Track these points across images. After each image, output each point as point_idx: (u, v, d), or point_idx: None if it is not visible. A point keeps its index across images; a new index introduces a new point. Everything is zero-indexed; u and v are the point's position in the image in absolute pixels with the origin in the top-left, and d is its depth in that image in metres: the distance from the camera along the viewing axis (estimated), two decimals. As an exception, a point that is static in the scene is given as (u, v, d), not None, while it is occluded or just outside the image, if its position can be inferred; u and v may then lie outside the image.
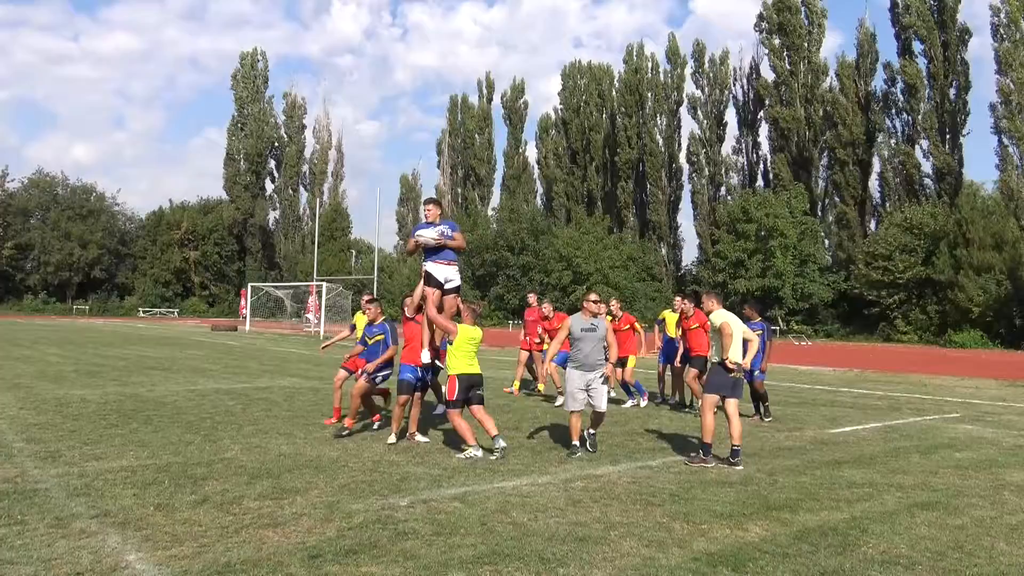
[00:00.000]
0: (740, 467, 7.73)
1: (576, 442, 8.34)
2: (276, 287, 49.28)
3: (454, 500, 6.22)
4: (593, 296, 8.82)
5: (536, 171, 78.31)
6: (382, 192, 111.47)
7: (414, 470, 7.32)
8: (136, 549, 4.82)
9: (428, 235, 8.76)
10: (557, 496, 6.45)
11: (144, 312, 70.36)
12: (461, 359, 8.22)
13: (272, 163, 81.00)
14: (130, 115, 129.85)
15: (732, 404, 8.15)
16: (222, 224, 76.63)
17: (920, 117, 50.49)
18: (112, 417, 10.09)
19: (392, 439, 8.89)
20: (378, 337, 9.40)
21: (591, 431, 8.51)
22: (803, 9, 57.08)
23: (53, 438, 8.46)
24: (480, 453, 8.00)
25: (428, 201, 9.27)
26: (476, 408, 8.31)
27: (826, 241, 56.94)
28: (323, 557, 4.78)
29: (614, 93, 71.51)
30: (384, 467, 7.41)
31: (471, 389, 8.22)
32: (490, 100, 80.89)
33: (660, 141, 67.36)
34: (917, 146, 51.50)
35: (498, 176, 79.81)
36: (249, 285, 47.26)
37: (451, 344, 8.24)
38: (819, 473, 7.62)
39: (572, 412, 8.42)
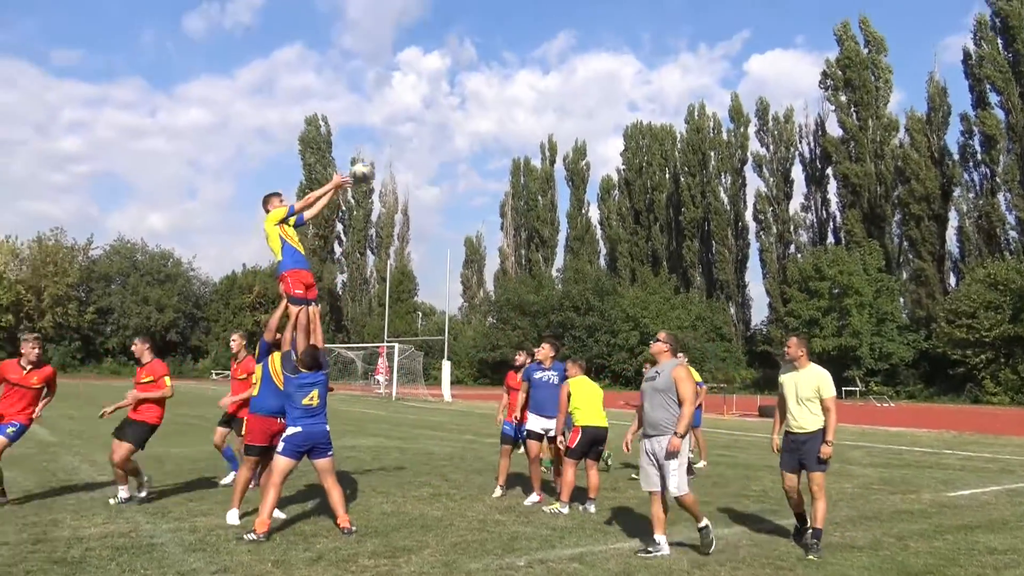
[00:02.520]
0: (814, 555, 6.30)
1: (658, 536, 6.33)
2: (348, 348, 49.86)
3: (572, 561, 5.98)
4: (661, 335, 6.82)
5: (599, 231, 78.39)
6: (444, 255, 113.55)
7: (523, 530, 7.09)
8: (263, 606, 4.70)
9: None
10: (678, 559, 6.15)
11: (217, 374, 71.68)
12: (587, 411, 8.09)
13: (339, 227, 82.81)
14: (202, 185, 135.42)
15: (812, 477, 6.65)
16: (292, 287, 78.22)
17: (1000, 169, 49.07)
18: (209, 473, 10.13)
19: (498, 492, 8.88)
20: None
21: (701, 526, 6.37)
22: (870, 66, 56.60)
23: (157, 494, 8.49)
24: (567, 511, 7.85)
25: (547, 339, 9.03)
26: (592, 464, 8.16)
27: (901, 299, 55.21)
28: (455, 618, 4.59)
29: (676, 153, 71.50)
30: (491, 526, 7.21)
31: (593, 445, 8.05)
32: (552, 162, 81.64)
33: (725, 200, 66.83)
34: (1001, 196, 49.94)
35: (562, 237, 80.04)
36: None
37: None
38: (951, 538, 7.13)
39: (649, 493, 6.59)
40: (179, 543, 6.23)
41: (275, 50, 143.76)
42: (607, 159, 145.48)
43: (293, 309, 7.53)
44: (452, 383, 39.40)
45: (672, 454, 6.24)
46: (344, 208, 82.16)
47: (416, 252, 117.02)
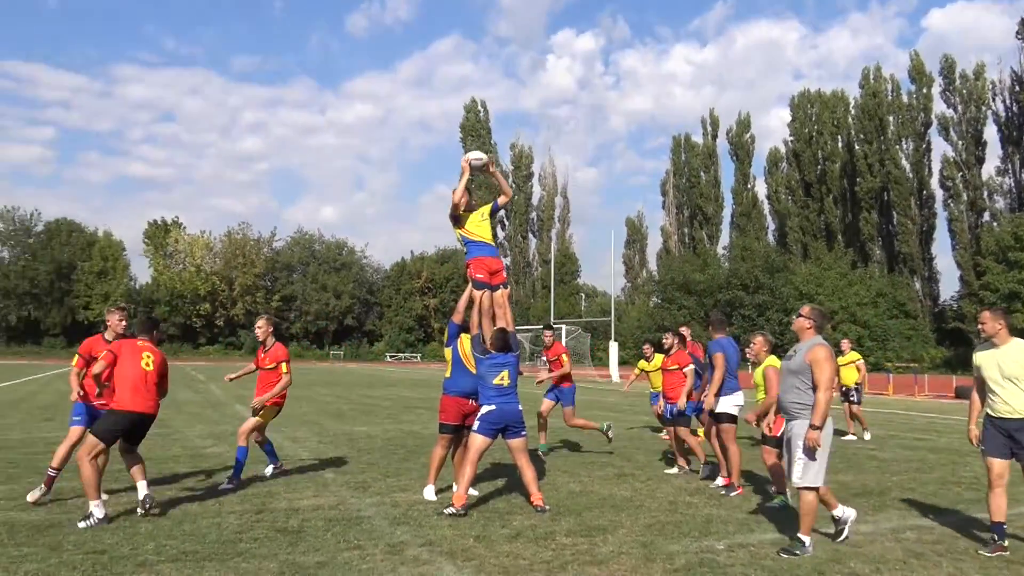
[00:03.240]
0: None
1: (838, 513, 5.99)
2: (516, 331, 50.86)
3: (773, 546, 5.76)
4: (804, 309, 6.17)
5: (767, 206, 75.32)
6: (603, 236, 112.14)
7: (716, 512, 6.93)
8: (473, 580, 4.83)
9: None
10: (891, 547, 5.79)
11: (391, 357, 75.24)
12: None
13: (501, 212, 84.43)
14: (369, 177, 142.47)
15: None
16: (458, 272, 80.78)
17: None
18: (400, 452, 10.62)
19: (674, 470, 8.83)
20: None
21: (801, 536, 5.65)
22: (1077, 9, 50.88)
23: (356, 470, 8.98)
24: (790, 500, 7.47)
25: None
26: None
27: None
28: (663, 599, 4.54)
29: (850, 120, 67.32)
30: (683, 508, 7.08)
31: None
32: (715, 137, 79.15)
33: (907, 167, 62.29)
34: None
35: (726, 214, 77.70)
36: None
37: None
38: None
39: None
40: (384, 517, 6.54)
41: (433, 42, 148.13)
42: (770, 131, 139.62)
43: (476, 293, 7.80)
44: (619, 364, 39.28)
45: (803, 444, 5.62)
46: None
47: (575, 234, 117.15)
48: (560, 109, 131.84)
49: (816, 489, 5.67)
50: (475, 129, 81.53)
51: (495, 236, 8.39)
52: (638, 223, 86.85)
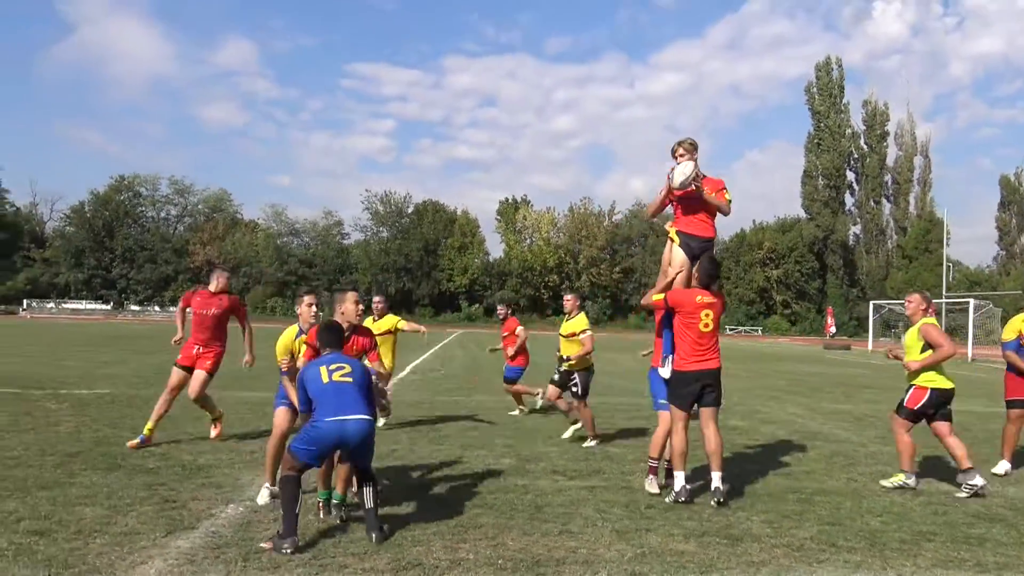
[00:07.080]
0: None
1: None
2: (876, 305, 47.08)
3: None
4: None
5: None
6: (946, 198, 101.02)
7: None
8: None
9: None
10: None
11: (731, 330, 74.04)
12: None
13: (851, 176, 78.74)
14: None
15: None
16: (802, 242, 77.08)
17: None
18: (870, 432, 10.35)
19: None
20: None
21: None
22: None
23: (888, 450, 8.88)
24: (912, 481, 6.74)
25: None
26: (942, 427, 6.61)
27: None
28: None
29: None
30: None
31: (941, 407, 6.57)
32: (1124, 75, 66.67)
33: None
34: None
35: None
36: (871, 303, 46.63)
37: None
38: None
39: None
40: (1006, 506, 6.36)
41: (745, 3, 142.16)
42: None
43: None
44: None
45: None
46: (856, 155, 77.85)
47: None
48: (889, 60, 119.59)
49: None
50: (827, 88, 76.79)
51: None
52: (1016, 182, 76.34)
